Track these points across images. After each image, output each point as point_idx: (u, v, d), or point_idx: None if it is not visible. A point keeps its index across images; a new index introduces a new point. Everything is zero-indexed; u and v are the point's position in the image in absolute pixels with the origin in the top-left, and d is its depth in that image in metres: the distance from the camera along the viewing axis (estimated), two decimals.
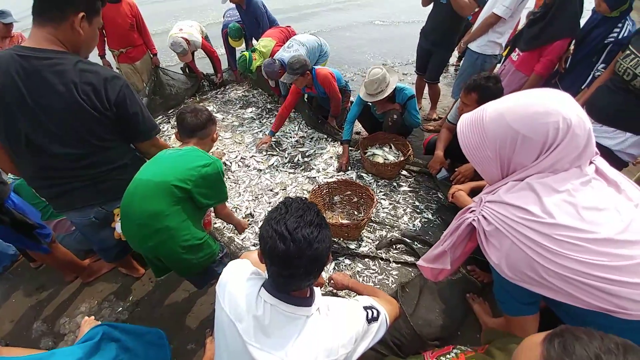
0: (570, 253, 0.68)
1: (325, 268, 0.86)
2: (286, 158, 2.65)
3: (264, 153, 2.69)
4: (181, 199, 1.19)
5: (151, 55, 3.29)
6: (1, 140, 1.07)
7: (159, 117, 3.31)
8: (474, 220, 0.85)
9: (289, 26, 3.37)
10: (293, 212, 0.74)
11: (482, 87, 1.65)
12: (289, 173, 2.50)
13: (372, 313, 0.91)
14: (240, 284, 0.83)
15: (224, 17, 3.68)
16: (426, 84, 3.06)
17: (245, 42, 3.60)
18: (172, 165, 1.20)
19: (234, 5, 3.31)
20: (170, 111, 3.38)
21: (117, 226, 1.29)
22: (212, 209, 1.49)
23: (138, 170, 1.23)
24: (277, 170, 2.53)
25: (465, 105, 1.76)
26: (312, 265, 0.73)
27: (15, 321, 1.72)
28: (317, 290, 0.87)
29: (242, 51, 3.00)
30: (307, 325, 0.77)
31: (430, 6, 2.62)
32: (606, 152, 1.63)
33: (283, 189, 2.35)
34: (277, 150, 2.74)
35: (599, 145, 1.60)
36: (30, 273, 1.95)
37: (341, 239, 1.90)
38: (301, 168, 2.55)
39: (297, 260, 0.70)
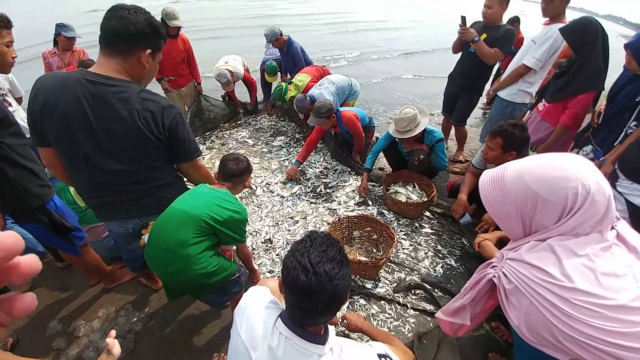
0: (586, 318, 0.69)
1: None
2: (309, 187, 2.72)
3: (288, 182, 2.78)
4: (206, 233, 1.28)
5: (196, 84, 3.64)
6: (61, 154, 1.19)
7: (197, 139, 3.57)
8: (494, 276, 0.86)
9: (324, 66, 3.63)
10: (317, 246, 0.77)
11: (508, 133, 1.66)
12: (311, 202, 2.54)
13: (385, 355, 0.88)
14: (258, 310, 0.85)
15: (264, 54, 4.05)
16: (453, 126, 3.10)
17: (281, 76, 3.93)
18: (207, 202, 1.30)
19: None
20: (207, 133, 3.64)
21: (145, 236, 1.38)
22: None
23: (177, 188, 1.33)
24: (299, 198, 2.59)
25: (489, 150, 1.77)
26: (330, 301, 0.73)
27: (32, 317, 1.79)
28: (332, 330, 0.86)
29: (279, 83, 3.25)
30: None
31: (459, 53, 2.75)
32: (638, 212, 1.54)
33: (303, 218, 2.38)
34: (302, 178, 2.83)
35: (629, 204, 1.53)
36: (54, 272, 2.05)
37: (357, 277, 1.86)
38: (323, 199, 2.59)
39: (316, 294, 0.71)
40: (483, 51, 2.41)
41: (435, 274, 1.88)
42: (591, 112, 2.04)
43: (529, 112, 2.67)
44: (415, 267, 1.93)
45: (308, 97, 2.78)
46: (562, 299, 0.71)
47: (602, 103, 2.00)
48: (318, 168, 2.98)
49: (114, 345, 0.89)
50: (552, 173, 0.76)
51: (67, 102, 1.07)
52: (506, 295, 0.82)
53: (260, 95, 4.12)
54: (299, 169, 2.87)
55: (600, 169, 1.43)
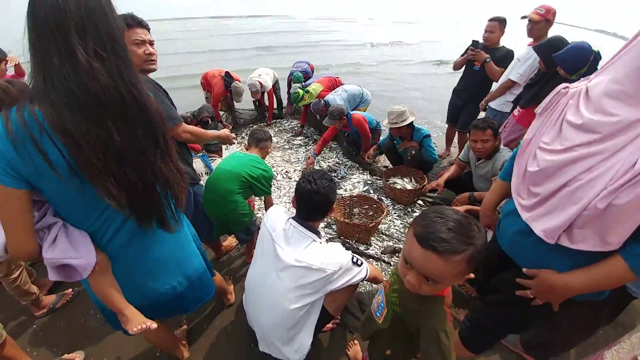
0: None
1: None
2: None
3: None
4: (245, 185, 1.80)
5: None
6: None
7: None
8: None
9: (338, 77, 4.21)
10: (317, 173, 1.29)
11: (491, 124, 2.05)
12: None
13: (357, 260, 1.33)
14: (278, 213, 1.36)
15: (293, 66, 4.72)
16: (456, 133, 3.51)
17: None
18: (245, 163, 1.82)
19: (302, 60, 4.44)
20: (239, 131, 4.31)
21: None
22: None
23: None
24: None
25: (484, 142, 2.05)
26: (323, 202, 1.23)
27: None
28: (324, 238, 1.34)
29: (299, 87, 3.86)
30: (312, 244, 1.23)
31: (462, 70, 3.20)
32: None
33: None
34: (317, 169, 3.34)
35: None
36: None
37: (353, 241, 2.30)
38: None
39: (315, 194, 1.21)
40: (493, 71, 2.88)
41: None
42: None
43: None
44: (402, 238, 2.33)
45: (322, 101, 3.34)
46: None
47: None
48: (331, 163, 3.48)
49: None
50: None
51: None
52: None
53: (285, 101, 4.77)
54: (315, 160, 3.39)
55: None
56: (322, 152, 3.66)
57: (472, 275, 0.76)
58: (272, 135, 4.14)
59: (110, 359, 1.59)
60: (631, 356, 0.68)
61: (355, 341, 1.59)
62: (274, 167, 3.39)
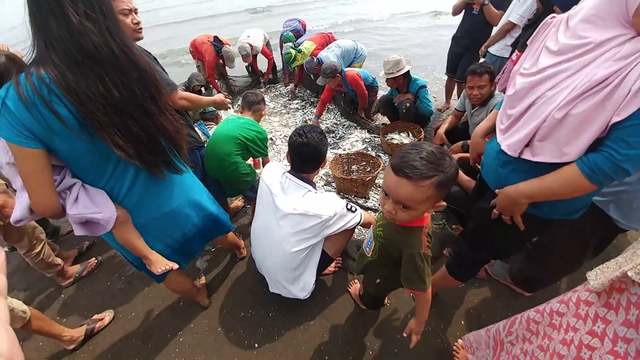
0: None
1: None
2: None
3: None
4: (242, 147, 1.86)
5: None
6: None
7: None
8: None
9: (331, 33, 4.02)
10: (307, 127, 1.34)
11: (487, 68, 1.98)
12: None
13: (352, 207, 1.43)
14: (274, 168, 1.45)
15: (283, 26, 4.50)
16: (456, 84, 3.41)
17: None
18: (239, 126, 1.87)
19: (292, 17, 4.18)
20: (234, 99, 4.27)
21: None
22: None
23: None
24: None
25: (481, 88, 2.00)
26: (314, 154, 1.30)
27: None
28: (320, 189, 1.43)
29: (290, 47, 3.71)
30: (307, 193, 1.33)
31: (461, 15, 3.03)
32: None
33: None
34: None
35: None
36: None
37: (352, 195, 2.40)
38: (331, 147, 3.11)
39: (306, 147, 1.28)
40: (492, 14, 2.73)
41: None
42: None
43: None
44: None
45: (315, 59, 3.24)
46: None
47: None
48: (329, 124, 3.48)
49: None
50: None
51: None
52: None
53: (279, 65, 4.62)
54: (319, 122, 3.39)
55: None
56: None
57: (443, 203, 0.84)
58: (267, 100, 4.19)
59: (138, 313, 1.77)
60: (620, 272, 0.68)
61: (356, 280, 1.76)
62: (272, 132, 3.42)
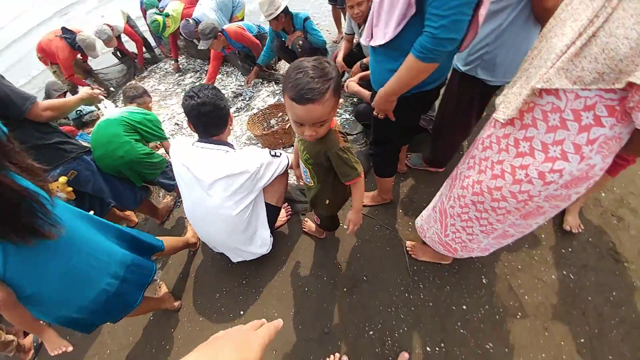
0: None
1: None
2: (230, 107, 3.04)
3: None
4: (130, 129, 1.68)
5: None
6: None
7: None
8: None
9: None
10: (196, 87, 1.24)
11: None
12: (234, 117, 2.91)
13: (275, 153, 1.44)
14: (180, 143, 1.35)
15: None
16: (341, 12, 3.39)
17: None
18: (120, 113, 1.68)
19: None
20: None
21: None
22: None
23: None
24: None
25: (358, 5, 1.89)
26: (215, 110, 1.22)
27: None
28: (243, 148, 1.38)
29: (155, 13, 3.20)
30: (226, 154, 1.28)
31: None
32: None
33: (232, 129, 2.78)
34: None
35: None
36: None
37: (281, 147, 2.40)
38: (244, 110, 2.96)
39: (202, 106, 1.20)
40: None
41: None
42: None
43: None
44: None
45: (192, 20, 2.86)
46: None
47: None
48: (233, 88, 3.26)
49: None
50: None
51: None
52: None
53: (152, 42, 3.98)
54: None
55: None
56: (220, 80, 3.37)
57: (341, 100, 0.94)
58: (156, 83, 3.67)
59: (113, 349, 1.65)
60: (529, 89, 0.68)
61: (307, 219, 1.87)
62: (174, 116, 3.09)
